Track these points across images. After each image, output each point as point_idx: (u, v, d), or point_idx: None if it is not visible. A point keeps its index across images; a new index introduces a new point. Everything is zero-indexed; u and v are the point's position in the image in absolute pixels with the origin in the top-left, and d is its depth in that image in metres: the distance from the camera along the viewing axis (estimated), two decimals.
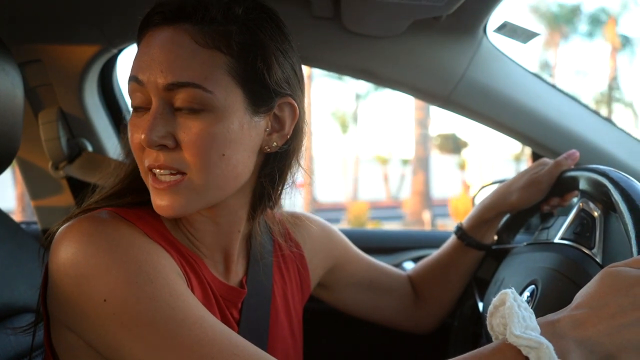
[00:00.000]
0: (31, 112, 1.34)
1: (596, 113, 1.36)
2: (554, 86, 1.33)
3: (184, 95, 0.68)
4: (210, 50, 0.69)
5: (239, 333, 0.81)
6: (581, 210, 0.91)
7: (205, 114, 0.69)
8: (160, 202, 0.72)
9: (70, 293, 0.66)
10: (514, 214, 1.12)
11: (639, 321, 0.56)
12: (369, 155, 24.94)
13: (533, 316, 0.58)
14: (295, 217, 1.00)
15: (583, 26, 20.80)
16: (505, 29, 1.17)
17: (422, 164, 15.90)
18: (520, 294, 0.88)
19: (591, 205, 0.89)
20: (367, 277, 1.09)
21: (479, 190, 1.58)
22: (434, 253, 1.17)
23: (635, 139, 1.36)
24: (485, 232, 1.11)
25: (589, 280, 0.62)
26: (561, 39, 20.83)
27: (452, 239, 1.14)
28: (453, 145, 25.69)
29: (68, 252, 0.67)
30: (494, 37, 1.24)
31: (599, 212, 0.87)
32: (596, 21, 20.34)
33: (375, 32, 1.16)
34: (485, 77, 1.24)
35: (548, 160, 1.06)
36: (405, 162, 23.80)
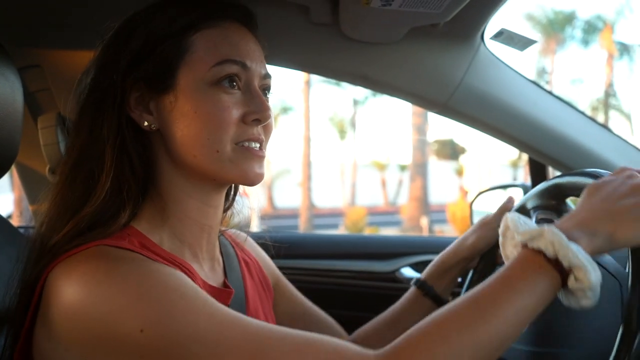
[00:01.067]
0: (30, 117, 1.34)
1: (592, 119, 1.37)
2: (550, 93, 1.34)
3: (268, 83, 0.85)
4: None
5: None
6: (540, 220, 0.96)
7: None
8: (258, 170, 0.81)
9: (98, 335, 0.63)
10: (479, 266, 1.12)
11: (627, 197, 0.68)
12: (366, 161, 24.92)
13: (535, 225, 0.68)
14: (236, 233, 1.03)
15: (579, 33, 20.88)
16: (502, 36, 1.18)
17: (420, 170, 15.82)
18: None
19: (546, 214, 0.97)
20: (301, 306, 1.09)
21: (477, 196, 1.59)
22: (392, 306, 1.12)
23: (631, 145, 1.36)
24: (445, 284, 1.10)
25: None
26: (557, 46, 20.87)
27: (410, 290, 1.11)
28: (451, 151, 25.71)
29: (89, 293, 0.64)
30: (491, 44, 1.25)
31: (555, 215, 0.96)
32: (592, 28, 20.40)
33: (374, 39, 1.17)
34: (482, 83, 1.25)
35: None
36: (403, 167, 23.77)
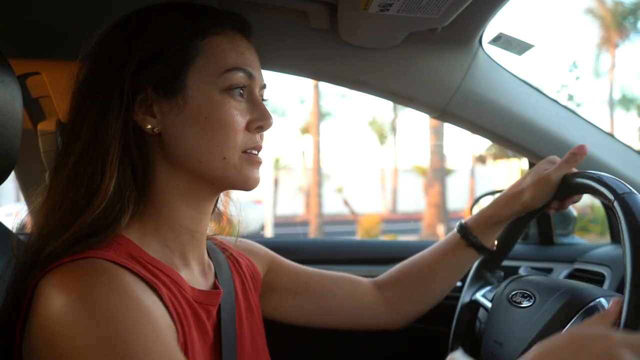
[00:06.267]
0: (30, 123, 1.34)
1: (591, 123, 1.37)
2: (549, 97, 1.34)
3: (264, 94, 0.87)
4: None
5: (220, 334, 0.84)
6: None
7: None
8: (257, 175, 0.83)
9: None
10: (512, 221, 1.10)
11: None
12: (408, 166, 24.32)
13: None
14: (227, 239, 1.04)
15: None
16: (500, 40, 1.18)
17: (438, 175, 15.35)
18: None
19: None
20: (300, 278, 1.09)
21: (477, 201, 1.59)
22: (424, 251, 1.14)
23: (631, 148, 1.37)
24: (490, 235, 1.09)
25: None
26: (619, 39, 20.20)
27: (452, 236, 1.11)
28: (506, 155, 24.55)
29: (61, 321, 0.62)
30: (489, 49, 1.26)
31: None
32: None
33: (372, 44, 1.17)
34: (481, 88, 1.25)
35: (557, 158, 1.05)
36: (448, 171, 23.05)
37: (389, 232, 15.73)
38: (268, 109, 0.84)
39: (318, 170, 17.25)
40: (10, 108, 0.90)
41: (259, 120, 0.82)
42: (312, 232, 16.05)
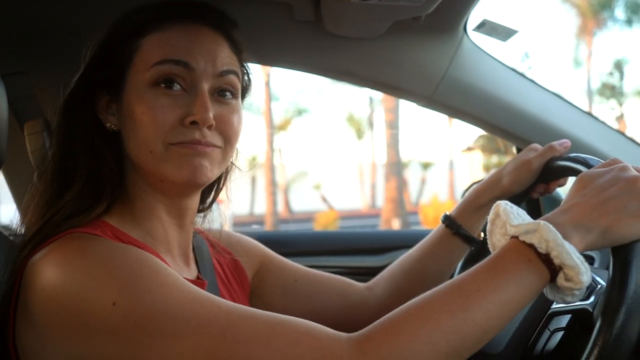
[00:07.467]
0: (17, 123, 1.33)
1: (578, 108, 1.37)
2: (535, 82, 1.35)
3: (229, 82, 0.81)
4: (230, 49, 0.84)
5: None
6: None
7: (236, 100, 0.83)
8: (199, 164, 0.77)
9: (71, 314, 0.63)
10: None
11: (621, 192, 0.65)
12: (385, 161, 24.28)
13: (528, 216, 0.68)
14: (215, 231, 1.03)
15: (620, 13, 20.32)
16: (484, 27, 1.18)
17: (394, 169, 14.89)
18: None
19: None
20: (292, 274, 1.07)
21: (468, 188, 1.59)
22: (413, 248, 1.12)
23: (617, 131, 1.38)
24: (474, 222, 1.07)
25: None
26: (596, 28, 20.17)
27: (438, 228, 1.09)
28: (494, 145, 24.47)
29: (61, 273, 0.65)
30: (474, 36, 1.26)
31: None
32: (636, 7, 19.72)
33: (356, 34, 1.17)
34: (467, 75, 1.26)
35: (538, 146, 1.04)
36: (426, 165, 23.11)
37: (346, 228, 15.62)
38: (207, 102, 0.76)
39: (271, 169, 16.84)
40: None
41: (192, 114, 0.76)
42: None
